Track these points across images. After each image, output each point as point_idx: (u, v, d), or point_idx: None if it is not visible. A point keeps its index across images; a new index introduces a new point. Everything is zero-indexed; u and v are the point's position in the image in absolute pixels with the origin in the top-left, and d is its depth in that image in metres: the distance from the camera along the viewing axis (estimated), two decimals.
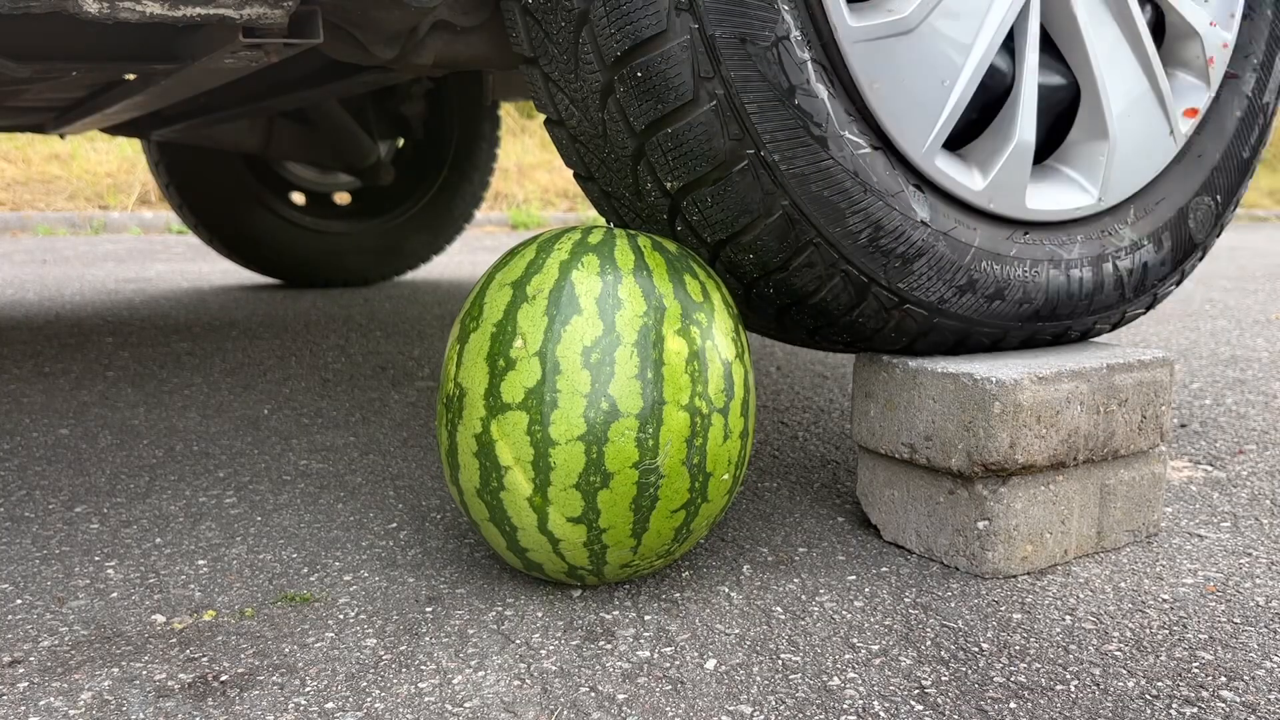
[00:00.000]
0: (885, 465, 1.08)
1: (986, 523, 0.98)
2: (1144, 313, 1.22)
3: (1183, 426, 1.57)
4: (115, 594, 0.97)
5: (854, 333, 1.05)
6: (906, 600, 0.96)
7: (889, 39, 0.96)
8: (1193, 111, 1.18)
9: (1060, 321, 1.12)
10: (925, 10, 0.97)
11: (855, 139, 0.97)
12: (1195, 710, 0.77)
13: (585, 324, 0.86)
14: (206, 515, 1.18)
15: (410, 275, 3.60)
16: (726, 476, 0.92)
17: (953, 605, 0.95)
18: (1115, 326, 1.19)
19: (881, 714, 0.77)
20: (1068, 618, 0.92)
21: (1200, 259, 1.25)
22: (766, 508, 1.21)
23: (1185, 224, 1.19)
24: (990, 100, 1.08)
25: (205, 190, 3.05)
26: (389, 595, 0.96)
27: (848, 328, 1.04)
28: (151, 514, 1.18)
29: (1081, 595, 0.97)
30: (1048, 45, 1.11)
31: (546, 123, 1.07)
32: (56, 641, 0.87)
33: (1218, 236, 1.25)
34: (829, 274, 0.98)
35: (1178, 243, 1.18)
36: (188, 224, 3.14)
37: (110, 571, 1.02)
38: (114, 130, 2.70)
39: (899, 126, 0.99)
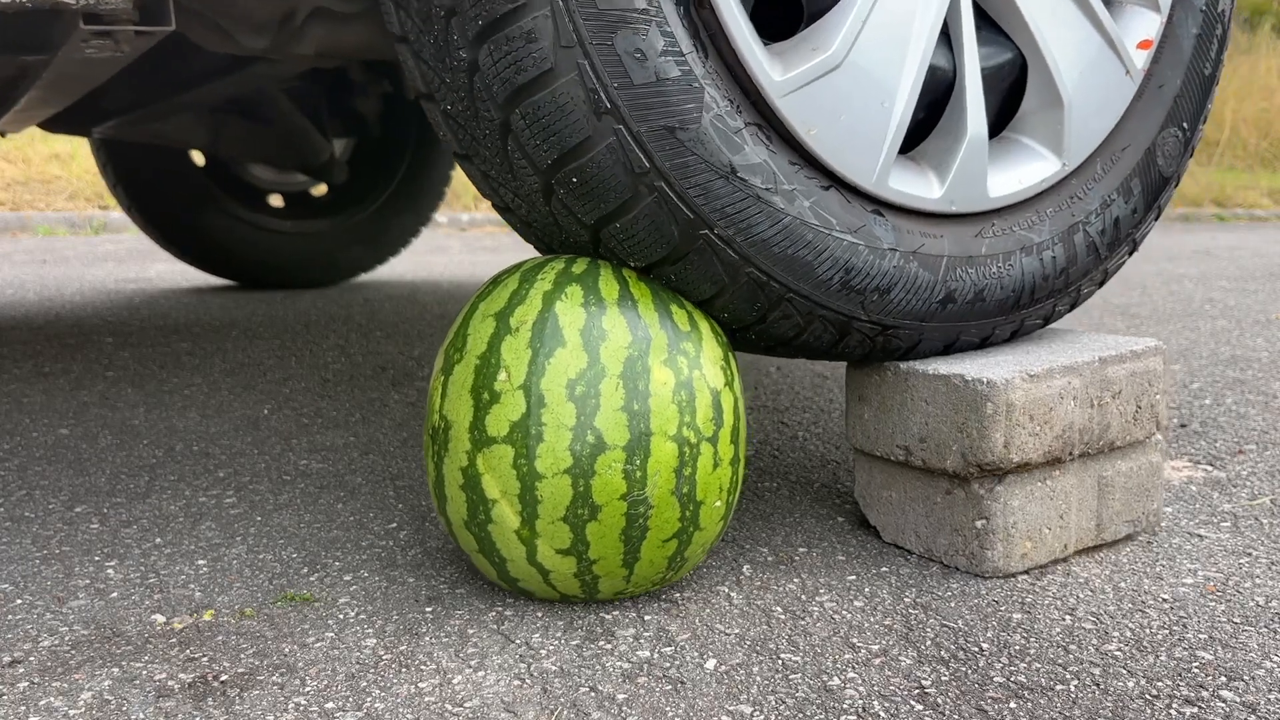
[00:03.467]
0: (881, 467, 1.08)
1: (984, 521, 0.98)
2: (1127, 259, 1.20)
3: (1183, 426, 1.57)
4: (115, 594, 0.97)
5: (843, 358, 1.05)
6: (906, 600, 0.96)
7: (818, 80, 0.93)
8: (1147, 43, 1.12)
9: (1043, 304, 1.11)
10: (850, 39, 0.94)
11: (806, 187, 0.94)
12: (1195, 710, 0.77)
13: (570, 356, 0.86)
14: (206, 515, 1.18)
15: (410, 276, 3.60)
16: (719, 503, 0.91)
17: (953, 605, 0.95)
18: (1101, 284, 1.19)
19: (881, 714, 0.77)
20: (1068, 618, 0.92)
21: (1175, 187, 1.21)
22: (766, 508, 1.21)
23: (1154, 163, 1.15)
24: (936, 97, 1.05)
25: (153, 188, 2.97)
26: (389, 595, 0.96)
27: (836, 356, 1.04)
28: (151, 514, 1.18)
29: (1081, 595, 0.97)
30: (986, 20, 1.07)
31: (501, 211, 1.04)
32: (56, 641, 0.87)
33: (1189, 159, 1.22)
34: (808, 321, 0.97)
35: (1148, 185, 1.15)
36: (137, 224, 3.07)
37: (110, 571, 1.02)
38: (50, 127, 2.60)
39: (846, 161, 0.96)
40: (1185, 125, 1.17)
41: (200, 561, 1.05)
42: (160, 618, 0.92)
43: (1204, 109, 1.19)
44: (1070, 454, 1.01)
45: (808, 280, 0.94)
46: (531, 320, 0.88)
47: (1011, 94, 1.11)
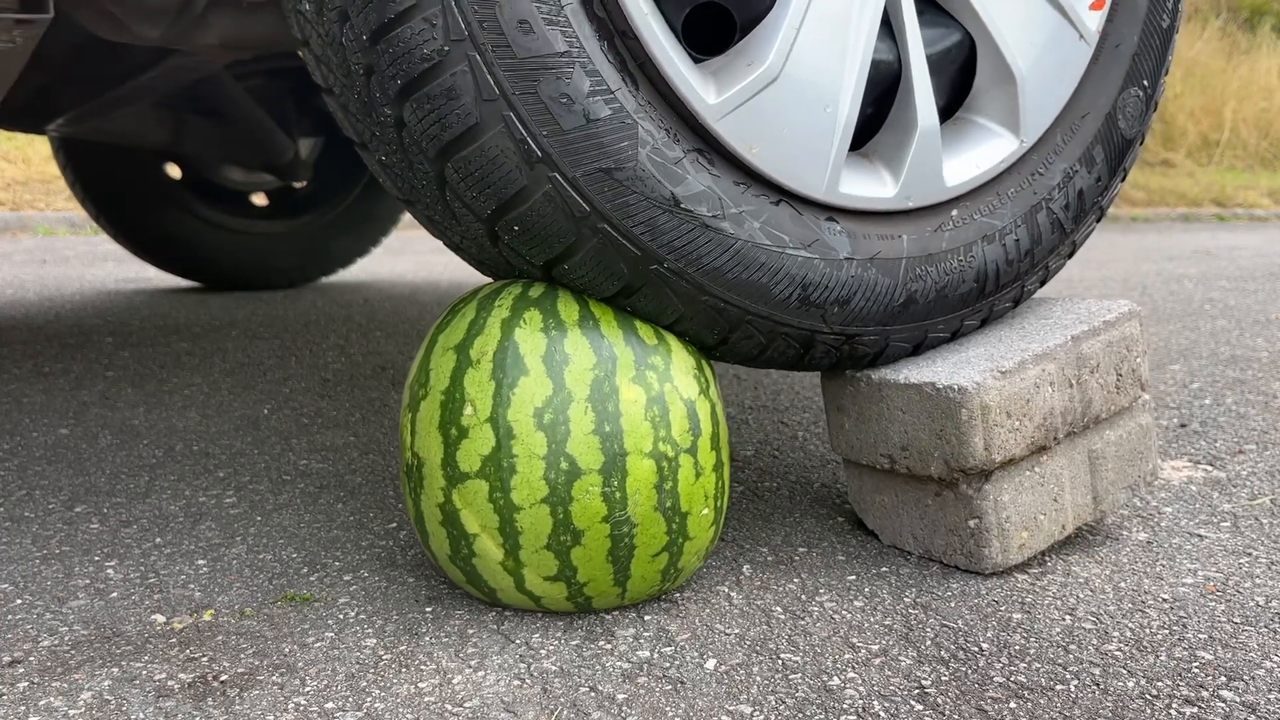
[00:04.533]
0: (870, 473, 1.08)
1: (977, 520, 0.98)
2: (1095, 227, 1.18)
3: (1183, 426, 1.57)
4: (115, 594, 0.97)
5: (812, 369, 1.04)
6: (906, 600, 0.96)
7: (755, 96, 0.90)
8: (1099, 3, 1.09)
9: (1010, 288, 1.09)
10: (786, 47, 0.91)
11: (754, 206, 0.92)
12: (1195, 710, 0.77)
13: (534, 384, 0.84)
14: (206, 515, 1.18)
15: (410, 276, 3.60)
16: (706, 511, 0.90)
17: (952, 605, 0.95)
18: (1070, 256, 1.16)
19: (881, 714, 0.77)
20: (1068, 618, 0.92)
21: (1140, 146, 1.18)
22: (766, 508, 1.21)
23: (1116, 127, 1.12)
24: (883, 90, 1.02)
25: (112, 187, 2.93)
26: (389, 595, 0.96)
27: (804, 367, 1.03)
28: (151, 514, 1.18)
29: (1081, 595, 0.97)
30: (928, 3, 1.04)
31: (453, 249, 1.01)
32: (56, 641, 0.87)
33: (1152, 116, 1.18)
34: (770, 339, 0.96)
35: (1111, 150, 1.12)
36: (99, 224, 3.03)
37: (110, 571, 1.02)
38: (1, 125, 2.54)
39: (793, 174, 0.94)
40: (1146, 83, 1.13)
41: (200, 561, 1.05)
42: (160, 618, 0.92)
43: (1164, 63, 1.15)
44: (1054, 439, 1.01)
45: (765, 301, 0.93)
46: (492, 350, 0.86)
47: (963, 74, 1.08)
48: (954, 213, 1.04)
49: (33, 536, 1.11)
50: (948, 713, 0.77)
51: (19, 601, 0.95)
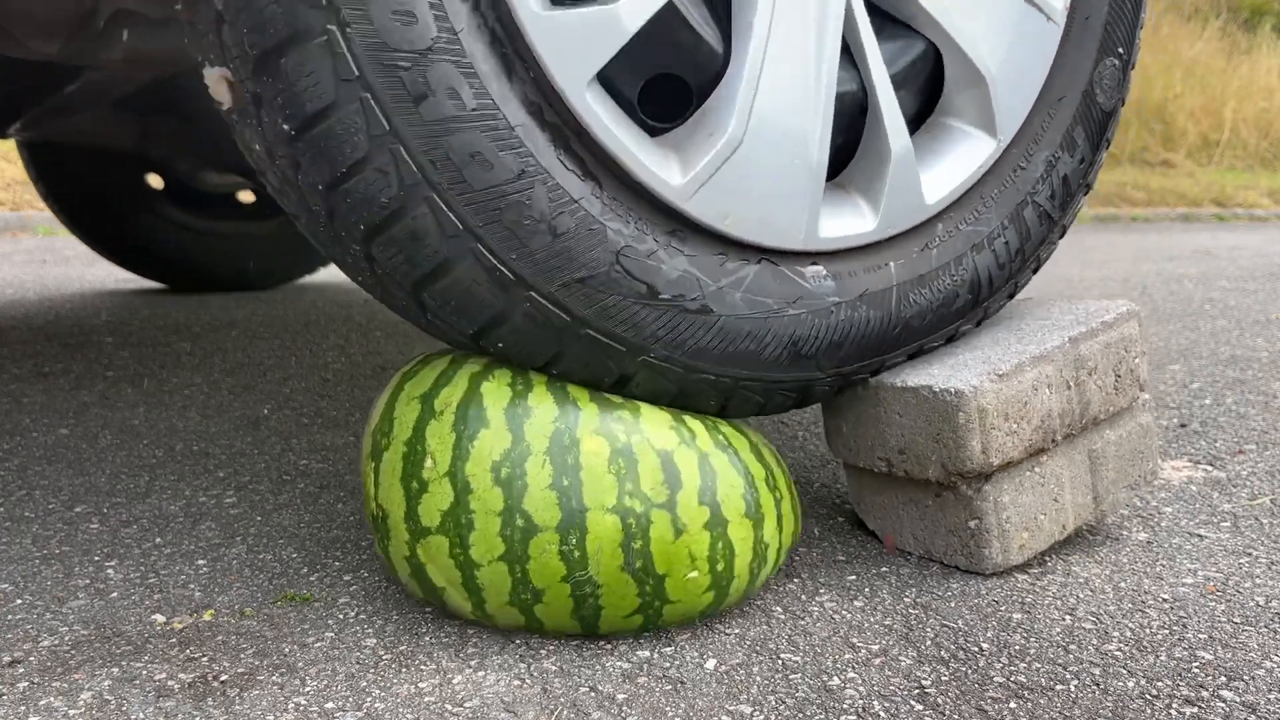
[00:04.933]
0: (869, 475, 1.08)
1: (977, 522, 0.98)
2: (1083, 203, 1.16)
3: (1183, 426, 1.57)
4: (115, 594, 0.97)
5: (813, 403, 1.04)
6: (906, 600, 0.96)
7: (722, 167, 0.88)
8: None
9: (1004, 288, 1.08)
10: (746, 107, 0.88)
11: (734, 277, 0.90)
12: (1195, 710, 0.77)
13: (493, 438, 0.82)
14: (206, 515, 1.18)
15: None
16: (695, 574, 0.84)
17: (953, 605, 0.95)
18: (1061, 236, 1.14)
19: (881, 714, 0.77)
20: (1068, 618, 0.92)
21: (1119, 114, 1.13)
22: None
23: (1094, 103, 1.09)
24: (851, 119, 0.99)
25: (80, 189, 2.90)
26: (389, 595, 0.96)
27: (805, 405, 1.03)
28: (151, 514, 1.18)
29: (1081, 595, 0.97)
30: (885, 17, 1.01)
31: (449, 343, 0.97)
32: (56, 641, 0.87)
33: (1129, 81, 1.14)
34: (768, 396, 0.96)
35: (1092, 128, 1.09)
36: (66, 225, 3.00)
37: (110, 571, 1.02)
38: None
39: (770, 233, 0.92)
40: (1121, 50, 1.10)
41: (200, 561, 1.05)
42: (160, 618, 0.92)
43: (1138, 24, 1.11)
44: (1053, 440, 1.00)
45: (756, 366, 0.93)
46: (456, 402, 0.84)
47: (933, 78, 1.05)
48: (939, 228, 1.03)
49: (33, 536, 1.11)
50: (948, 713, 0.77)
51: (19, 601, 0.95)
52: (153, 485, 1.29)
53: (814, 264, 0.96)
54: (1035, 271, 1.12)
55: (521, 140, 0.81)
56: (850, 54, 0.96)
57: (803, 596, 0.97)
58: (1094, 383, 1.03)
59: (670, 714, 0.77)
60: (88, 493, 1.26)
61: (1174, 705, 0.78)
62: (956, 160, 1.03)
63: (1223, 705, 0.78)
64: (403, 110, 0.77)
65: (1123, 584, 1.00)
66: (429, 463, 0.83)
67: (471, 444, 0.82)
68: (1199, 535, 1.13)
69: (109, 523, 1.15)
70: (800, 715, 0.76)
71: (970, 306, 1.05)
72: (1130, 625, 0.91)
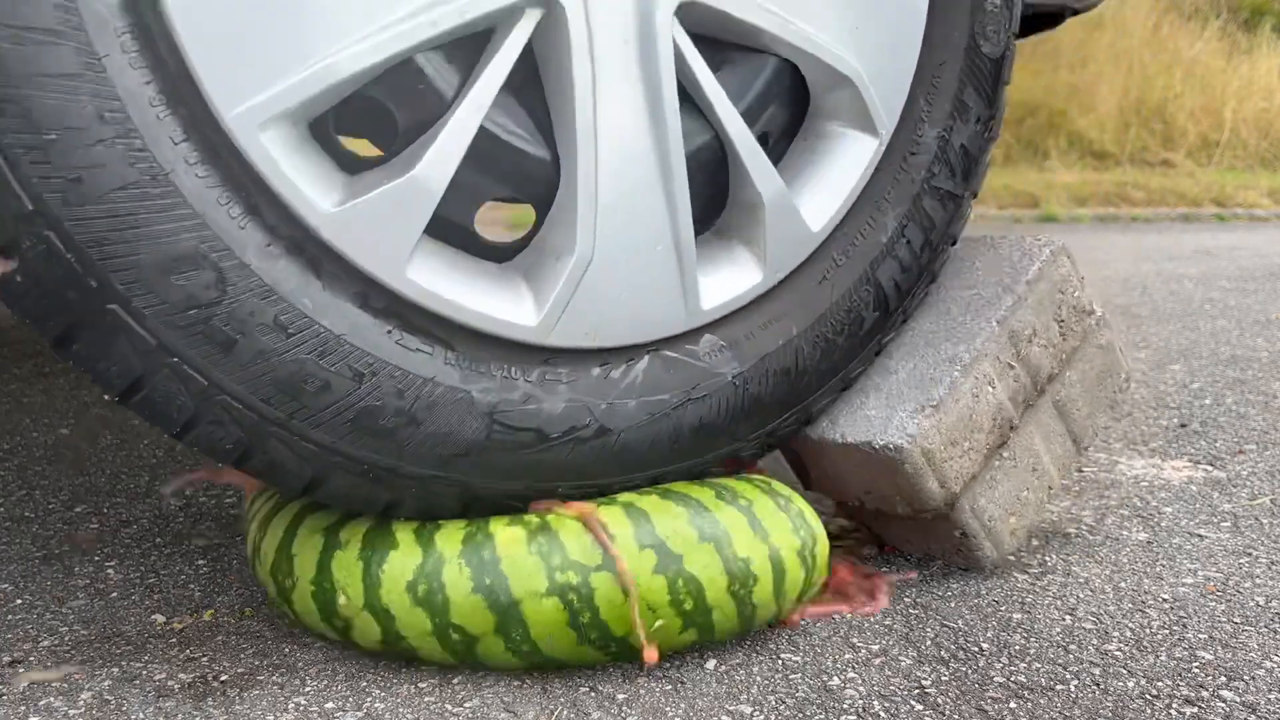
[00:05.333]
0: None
1: (961, 532, 0.97)
2: (991, 151, 1.05)
3: (1183, 426, 1.57)
4: (115, 594, 0.97)
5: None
6: (906, 600, 0.96)
7: (580, 286, 0.82)
8: None
9: (919, 286, 1.01)
10: (590, 214, 0.81)
11: (627, 383, 0.86)
12: (1195, 710, 0.77)
13: (403, 557, 0.78)
14: (206, 515, 1.18)
15: None
16: (662, 621, 0.79)
17: (953, 605, 0.95)
18: (971, 206, 1.05)
19: (881, 714, 0.77)
20: (1068, 618, 0.92)
21: (1014, 52, 1.03)
22: None
23: (980, 55, 0.99)
24: (714, 168, 0.91)
25: None
26: None
27: (747, 463, 0.99)
28: (151, 514, 1.18)
29: (1081, 595, 0.97)
30: (728, 47, 0.91)
31: None
32: (56, 641, 0.87)
33: (1018, 13, 1.03)
34: (698, 475, 0.93)
35: (983, 83, 1.00)
36: None
37: (110, 571, 1.02)
38: None
39: (650, 327, 0.87)
40: None
41: (200, 561, 1.05)
42: (160, 618, 0.92)
43: None
44: (1012, 425, 0.97)
45: (674, 459, 0.89)
46: (363, 530, 0.81)
47: (800, 83, 0.95)
48: (833, 254, 0.95)
49: (32, 536, 1.11)
50: (948, 713, 0.77)
51: (19, 601, 0.95)
52: (153, 485, 1.29)
53: (707, 335, 0.90)
54: (953, 245, 1.05)
55: (352, 344, 0.75)
56: (695, 101, 0.88)
57: None
58: (1037, 346, 0.98)
59: (670, 714, 0.77)
60: (88, 493, 1.26)
61: (1174, 705, 0.78)
62: (841, 169, 0.95)
63: (1223, 705, 0.78)
64: (216, 360, 0.71)
65: (1123, 584, 1.00)
66: (342, 599, 0.79)
67: (382, 569, 0.78)
68: (1199, 535, 1.13)
69: (109, 523, 1.15)
70: (800, 715, 0.76)
71: (884, 320, 0.99)
72: (1130, 625, 0.91)
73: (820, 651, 0.86)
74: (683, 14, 0.82)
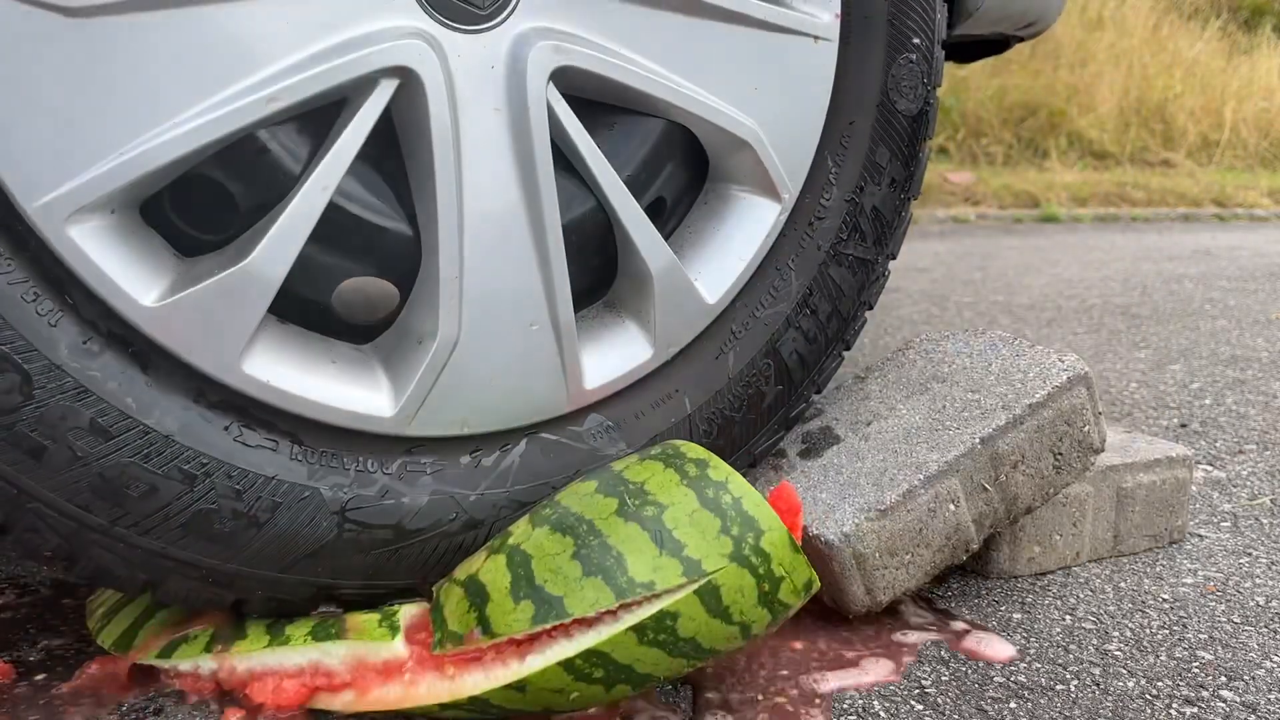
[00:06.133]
0: None
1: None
2: (909, 212, 0.98)
3: (1183, 426, 1.57)
4: None
5: None
6: (906, 600, 0.96)
7: (444, 370, 0.77)
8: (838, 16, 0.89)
9: (830, 354, 0.95)
10: (455, 294, 0.75)
11: (501, 469, 0.81)
12: (1195, 710, 0.77)
13: (248, 643, 0.75)
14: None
15: None
16: (575, 694, 0.71)
17: (953, 605, 0.95)
18: (887, 271, 0.98)
19: (881, 714, 0.77)
20: (1068, 618, 0.92)
21: (934, 109, 0.96)
22: None
23: (894, 112, 0.92)
24: (602, 239, 0.84)
25: None
26: None
27: None
28: None
29: (1081, 595, 0.97)
30: (611, 110, 0.84)
31: None
32: (58, 640, 0.87)
33: (940, 74, 0.96)
34: None
35: (897, 142, 0.94)
36: None
37: None
38: None
39: (528, 410, 0.82)
40: (918, 40, 0.93)
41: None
42: None
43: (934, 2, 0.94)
44: (967, 549, 0.90)
45: None
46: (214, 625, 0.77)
47: (693, 145, 0.89)
48: (732, 326, 0.90)
49: None
50: (948, 713, 0.77)
51: (20, 601, 0.95)
52: None
53: (592, 415, 0.85)
54: (870, 307, 0.98)
55: (182, 444, 0.70)
56: (576, 169, 0.81)
57: None
58: (1022, 474, 0.91)
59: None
60: None
61: (1174, 705, 0.78)
62: (741, 235, 0.89)
63: (1223, 705, 0.78)
64: (25, 467, 0.66)
65: (1123, 584, 1.00)
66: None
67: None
68: (1199, 535, 1.13)
69: None
70: (800, 713, 0.76)
71: (786, 396, 0.94)
72: (1130, 625, 0.91)
73: (821, 650, 0.86)
74: (559, 78, 0.76)
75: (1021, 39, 1.34)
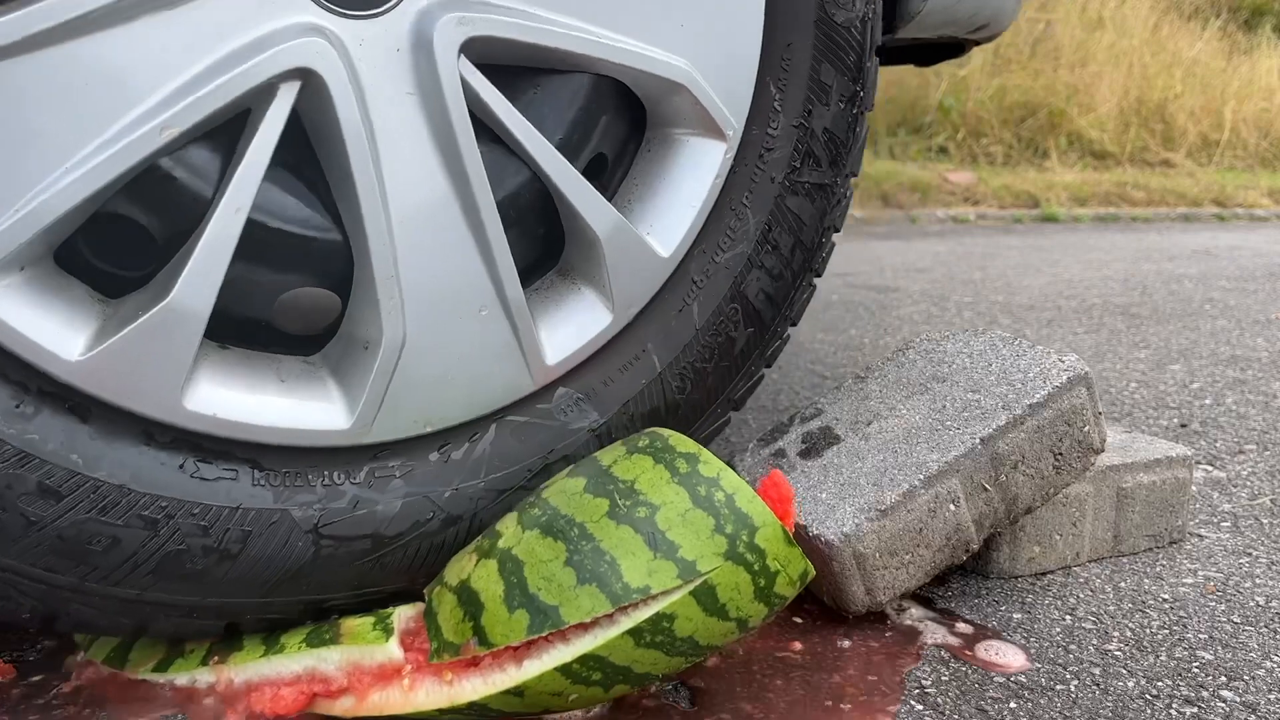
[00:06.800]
0: None
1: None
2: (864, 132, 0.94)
3: (1183, 426, 1.57)
4: None
5: None
6: (906, 601, 0.96)
7: (395, 373, 0.75)
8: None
9: (796, 296, 0.93)
10: (394, 293, 0.73)
11: (472, 461, 0.80)
12: (1195, 710, 0.77)
13: (245, 654, 0.76)
14: None
15: None
16: (574, 696, 0.71)
17: (952, 605, 0.95)
18: (848, 196, 0.95)
19: (882, 714, 0.77)
20: (1068, 618, 0.92)
21: (877, 60, 0.92)
22: None
23: (833, 25, 0.88)
24: (544, 208, 0.81)
25: None
26: None
27: None
28: None
29: (1081, 595, 0.97)
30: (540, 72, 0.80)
31: None
32: (58, 641, 0.87)
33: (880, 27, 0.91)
34: None
35: (840, 54, 0.89)
36: None
37: None
38: None
39: (491, 397, 0.81)
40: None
41: None
42: None
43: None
44: (968, 549, 0.91)
45: None
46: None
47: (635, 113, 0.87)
48: (692, 275, 0.87)
49: None
50: (948, 713, 0.77)
51: None
52: None
53: (560, 390, 0.84)
54: (836, 230, 0.94)
55: (138, 491, 0.68)
56: (503, 140, 0.77)
57: (801, 595, 0.97)
58: (1022, 474, 0.91)
59: (671, 712, 0.77)
60: None
61: (1174, 705, 0.78)
62: (689, 180, 0.86)
63: (1223, 705, 0.78)
64: None
65: (1123, 584, 1.00)
66: None
67: None
68: (1199, 535, 1.13)
69: None
70: (800, 713, 0.76)
71: (758, 337, 0.91)
72: (1130, 625, 0.91)
73: (820, 650, 0.86)
74: (470, 50, 0.72)
75: (976, 42, 1.32)
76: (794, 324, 0.95)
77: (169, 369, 0.67)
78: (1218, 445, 1.47)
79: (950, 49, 1.42)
